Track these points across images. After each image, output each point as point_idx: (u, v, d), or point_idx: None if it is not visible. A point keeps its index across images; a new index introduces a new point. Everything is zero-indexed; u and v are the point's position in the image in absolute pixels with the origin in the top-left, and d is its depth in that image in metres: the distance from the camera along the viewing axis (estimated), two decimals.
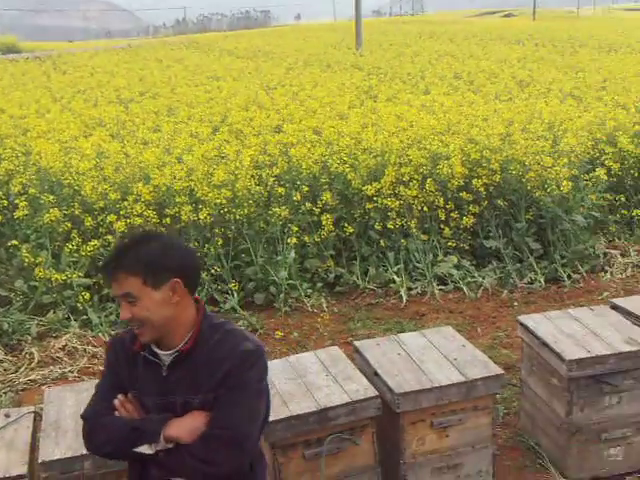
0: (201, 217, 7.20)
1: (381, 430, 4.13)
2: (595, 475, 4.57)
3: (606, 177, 8.58)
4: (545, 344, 4.56)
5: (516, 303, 7.27)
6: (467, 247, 7.89)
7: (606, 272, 7.95)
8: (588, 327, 4.72)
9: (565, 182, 7.75)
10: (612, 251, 8.42)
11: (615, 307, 5.12)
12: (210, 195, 7.34)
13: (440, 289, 7.48)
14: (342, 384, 4.06)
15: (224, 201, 7.34)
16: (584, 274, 7.81)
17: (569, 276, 7.73)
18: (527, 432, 4.97)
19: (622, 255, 8.36)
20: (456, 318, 6.94)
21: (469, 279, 7.61)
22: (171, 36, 62.06)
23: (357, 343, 4.68)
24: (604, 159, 9.04)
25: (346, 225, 7.66)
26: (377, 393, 3.99)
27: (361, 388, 4.02)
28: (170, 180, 7.56)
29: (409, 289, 7.45)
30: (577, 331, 4.67)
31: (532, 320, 4.89)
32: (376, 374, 4.24)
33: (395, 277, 7.52)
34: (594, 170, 8.62)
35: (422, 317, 6.99)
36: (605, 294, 7.28)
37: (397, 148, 8.18)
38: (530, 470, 4.65)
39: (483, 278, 7.63)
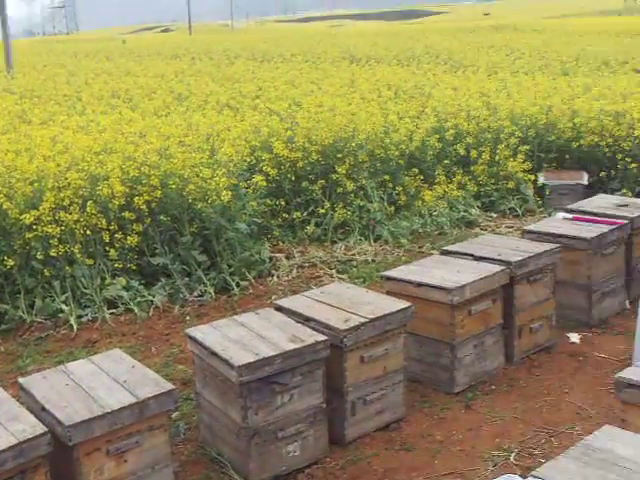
0: None
1: (56, 467, 3.98)
2: (276, 474, 4.68)
3: (265, 183, 8.85)
4: (214, 353, 4.60)
5: (188, 317, 7.29)
6: (135, 267, 7.75)
7: (273, 276, 8.21)
8: (254, 330, 4.84)
9: (225, 192, 7.89)
10: (277, 255, 8.74)
11: (279, 308, 5.30)
12: None
13: (111, 313, 7.31)
14: (7, 426, 3.84)
15: None
16: (252, 280, 8.00)
17: (237, 284, 7.87)
18: (208, 444, 4.99)
19: (287, 258, 8.69)
20: (129, 340, 6.84)
21: (139, 299, 7.49)
22: None
23: (22, 380, 4.47)
24: (262, 166, 9.31)
25: (6, 258, 7.28)
26: (46, 429, 3.83)
27: (28, 427, 3.82)
28: None
29: (79, 317, 7.20)
30: (244, 336, 4.77)
31: (199, 331, 4.93)
32: (44, 409, 4.07)
33: (63, 306, 7.25)
34: (253, 177, 8.87)
35: (95, 344, 6.79)
36: (273, 297, 7.46)
37: (54, 172, 7.89)
38: None
39: (153, 296, 7.56)
